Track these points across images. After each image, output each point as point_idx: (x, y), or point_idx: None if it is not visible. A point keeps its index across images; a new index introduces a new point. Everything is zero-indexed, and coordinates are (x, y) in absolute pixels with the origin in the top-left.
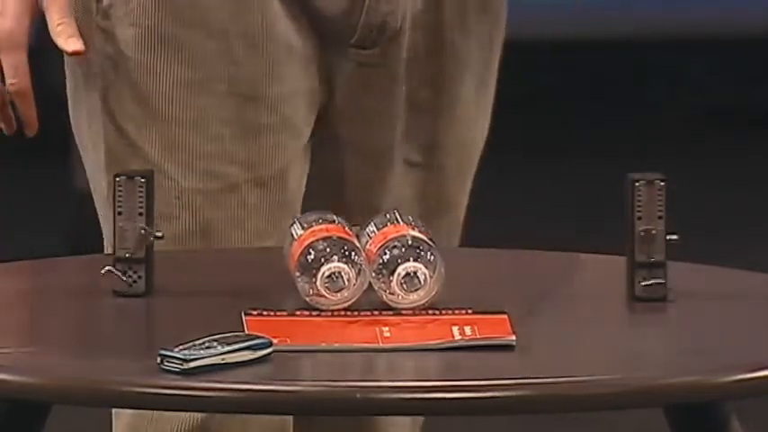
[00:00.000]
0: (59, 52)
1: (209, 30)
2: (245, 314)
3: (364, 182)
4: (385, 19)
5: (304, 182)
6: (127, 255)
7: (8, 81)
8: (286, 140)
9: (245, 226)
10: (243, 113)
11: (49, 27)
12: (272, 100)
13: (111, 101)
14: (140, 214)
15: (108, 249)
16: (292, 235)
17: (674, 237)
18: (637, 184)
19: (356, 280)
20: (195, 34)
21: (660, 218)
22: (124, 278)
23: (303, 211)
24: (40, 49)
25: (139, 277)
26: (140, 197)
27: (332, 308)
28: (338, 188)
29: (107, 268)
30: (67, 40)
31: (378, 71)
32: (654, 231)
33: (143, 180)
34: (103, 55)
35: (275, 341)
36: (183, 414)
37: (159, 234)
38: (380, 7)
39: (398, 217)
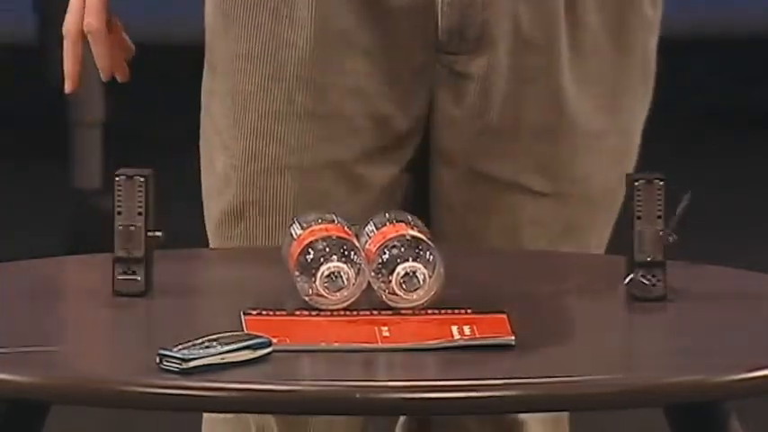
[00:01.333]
0: (60, 52)
1: (265, 10)
2: (245, 314)
3: (465, 202)
4: (462, 22)
5: (377, 185)
6: (127, 254)
7: (84, 20)
8: (331, 133)
9: (283, 211)
10: (291, 96)
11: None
12: (321, 88)
13: (204, 74)
14: (140, 214)
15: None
16: (291, 235)
17: (674, 236)
18: (636, 183)
19: (355, 279)
20: (252, 13)
21: (659, 217)
22: (124, 278)
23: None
24: (40, 47)
25: (139, 277)
26: (140, 197)
27: (331, 307)
28: (440, 206)
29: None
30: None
31: (468, 83)
32: (653, 231)
33: (142, 180)
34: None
35: (274, 341)
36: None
37: (158, 233)
38: (454, 11)
39: (397, 216)
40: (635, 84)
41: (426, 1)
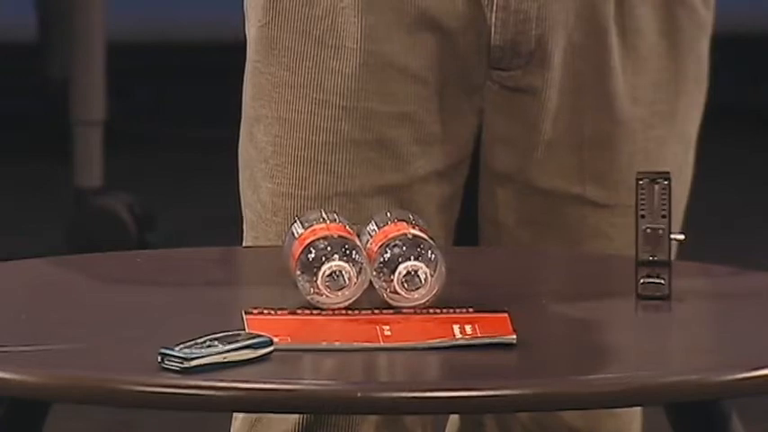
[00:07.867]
0: (60, 49)
1: (310, 36)
2: (246, 313)
3: (518, 218)
4: (515, 38)
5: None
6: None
7: None
8: (379, 160)
9: None
10: (337, 124)
11: None
12: (367, 115)
13: (245, 96)
14: (663, 216)
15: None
16: (293, 234)
17: (681, 236)
18: (640, 182)
19: (357, 279)
20: (298, 41)
21: (664, 216)
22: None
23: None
24: (41, 46)
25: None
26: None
27: (332, 307)
28: (489, 223)
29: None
30: None
31: (521, 97)
32: (658, 230)
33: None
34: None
35: (276, 340)
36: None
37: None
38: (508, 27)
39: (399, 215)
40: (690, 87)
41: (479, 20)
